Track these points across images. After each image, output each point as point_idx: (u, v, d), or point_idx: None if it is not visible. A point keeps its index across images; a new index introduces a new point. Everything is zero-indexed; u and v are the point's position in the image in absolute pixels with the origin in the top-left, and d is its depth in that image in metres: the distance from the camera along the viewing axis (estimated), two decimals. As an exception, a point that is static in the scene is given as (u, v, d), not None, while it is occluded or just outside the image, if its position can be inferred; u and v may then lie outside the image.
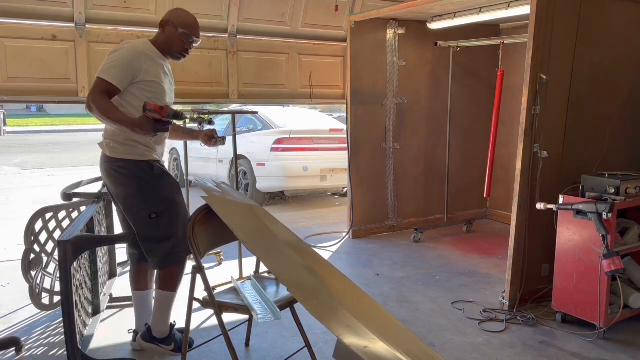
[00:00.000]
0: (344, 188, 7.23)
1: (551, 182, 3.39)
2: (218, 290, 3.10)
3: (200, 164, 7.80)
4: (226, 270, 4.27)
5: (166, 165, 9.51)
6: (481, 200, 5.66)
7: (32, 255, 3.16)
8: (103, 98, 2.50)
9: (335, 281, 2.19)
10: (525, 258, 3.43)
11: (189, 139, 3.26)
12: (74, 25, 4.02)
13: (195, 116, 2.72)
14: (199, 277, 2.41)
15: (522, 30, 5.27)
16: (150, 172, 2.68)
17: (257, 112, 5.56)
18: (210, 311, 3.30)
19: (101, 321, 3.25)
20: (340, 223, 5.78)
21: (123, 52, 2.60)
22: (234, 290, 2.64)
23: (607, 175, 3.21)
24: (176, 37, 2.71)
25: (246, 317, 2.87)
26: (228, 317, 2.61)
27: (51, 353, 2.92)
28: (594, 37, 3.47)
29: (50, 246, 3.32)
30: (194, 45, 2.80)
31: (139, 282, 2.93)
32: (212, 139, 3.08)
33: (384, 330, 1.85)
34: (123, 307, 3.54)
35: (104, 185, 3.66)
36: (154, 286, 2.87)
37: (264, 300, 2.46)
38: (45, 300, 3.28)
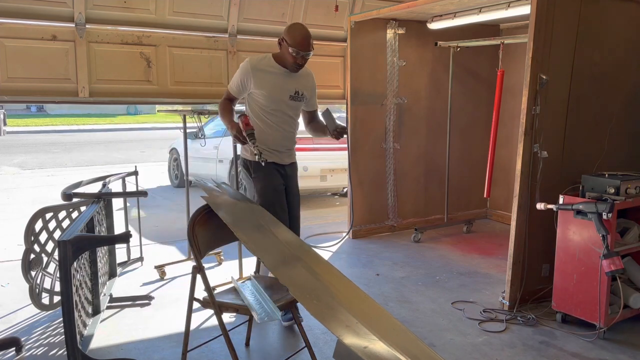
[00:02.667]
0: (344, 188, 7.22)
1: (551, 182, 3.39)
2: (218, 290, 3.10)
3: (200, 164, 7.79)
4: (226, 270, 4.28)
5: (166, 165, 9.42)
6: (481, 200, 5.67)
7: (32, 255, 3.16)
8: (224, 102, 3.23)
9: (335, 281, 2.19)
10: (525, 258, 3.43)
11: (320, 135, 3.49)
12: (74, 25, 4.01)
13: (256, 153, 3.03)
14: (199, 277, 2.41)
15: (522, 30, 5.28)
16: (250, 169, 3.23)
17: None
18: (210, 311, 3.30)
19: (101, 321, 3.25)
20: (340, 223, 5.78)
21: (240, 67, 3.17)
22: (234, 290, 2.64)
23: (607, 175, 3.21)
24: (288, 53, 3.06)
25: (246, 317, 2.88)
26: (228, 317, 2.61)
27: (51, 353, 2.92)
28: (594, 37, 3.47)
29: (50, 246, 3.32)
30: (307, 57, 3.10)
31: None
32: (341, 135, 3.21)
33: (384, 331, 1.85)
34: (123, 307, 3.54)
35: (103, 185, 3.67)
36: None
37: (264, 300, 2.46)
38: (45, 300, 3.28)
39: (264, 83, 3.12)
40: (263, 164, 3.00)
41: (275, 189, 3.19)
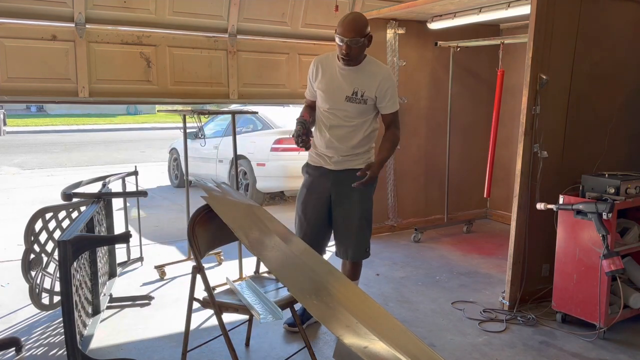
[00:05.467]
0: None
1: (551, 182, 3.39)
2: (218, 290, 3.10)
3: (200, 164, 7.79)
4: (226, 270, 4.28)
5: (166, 165, 9.45)
6: (481, 200, 5.66)
7: (32, 255, 3.16)
8: (303, 108, 3.08)
9: (335, 281, 2.19)
10: (525, 258, 3.43)
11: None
12: (74, 25, 4.01)
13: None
14: (199, 277, 2.41)
15: (522, 30, 5.27)
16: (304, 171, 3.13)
17: (257, 112, 5.55)
18: (210, 311, 3.30)
19: (101, 321, 3.25)
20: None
21: None
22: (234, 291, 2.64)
23: (607, 175, 3.21)
24: (337, 43, 2.85)
25: (246, 317, 2.88)
26: (228, 317, 2.61)
27: (51, 353, 2.92)
28: (594, 37, 3.47)
29: (50, 246, 3.32)
30: (352, 45, 2.80)
31: None
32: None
33: (383, 331, 1.85)
34: (123, 307, 3.54)
35: (103, 185, 3.67)
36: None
37: (263, 300, 2.46)
38: (45, 300, 3.28)
39: (322, 79, 2.92)
40: (299, 142, 2.79)
41: (304, 197, 3.06)
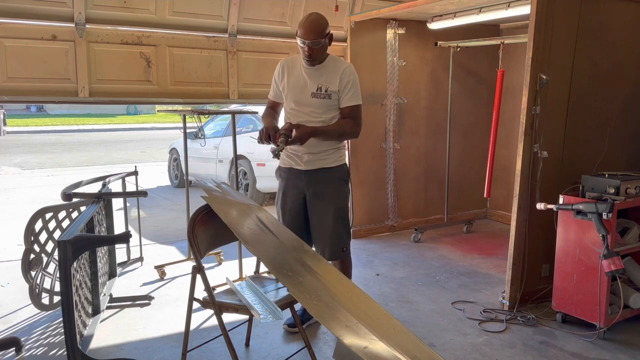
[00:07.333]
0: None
1: (551, 182, 3.39)
2: (218, 290, 3.10)
3: (200, 164, 7.79)
4: (226, 270, 4.28)
5: (166, 165, 9.47)
6: (481, 200, 5.66)
7: (32, 255, 3.16)
8: (265, 110, 3.11)
9: (335, 281, 2.18)
10: (525, 258, 3.43)
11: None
12: (74, 25, 4.00)
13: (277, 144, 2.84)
14: (199, 277, 2.41)
15: (522, 30, 5.27)
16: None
17: (257, 112, 5.55)
18: (210, 311, 3.30)
19: (101, 321, 3.26)
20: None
21: None
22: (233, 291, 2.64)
23: (607, 175, 3.21)
24: (298, 44, 2.87)
25: (246, 317, 2.88)
26: (228, 317, 2.61)
27: (51, 353, 2.92)
28: (594, 37, 3.47)
29: (50, 246, 3.32)
30: (314, 46, 2.82)
31: None
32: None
33: (383, 331, 1.85)
34: (123, 307, 3.54)
35: (103, 185, 3.67)
36: None
37: (263, 300, 2.46)
38: (45, 300, 3.28)
39: (288, 79, 2.99)
40: (272, 156, 2.83)
41: (281, 202, 3.11)
